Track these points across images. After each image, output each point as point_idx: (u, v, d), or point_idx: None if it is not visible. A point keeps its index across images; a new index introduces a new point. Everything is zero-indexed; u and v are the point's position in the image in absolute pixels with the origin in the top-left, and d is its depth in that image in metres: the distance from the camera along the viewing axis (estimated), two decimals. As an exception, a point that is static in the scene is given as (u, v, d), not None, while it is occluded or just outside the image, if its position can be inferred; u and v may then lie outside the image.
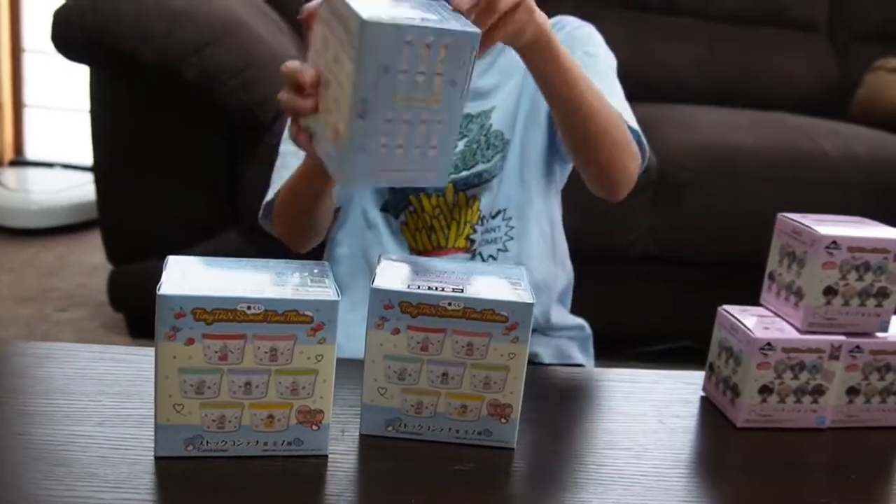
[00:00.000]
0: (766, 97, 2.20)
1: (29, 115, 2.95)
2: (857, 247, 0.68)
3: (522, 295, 0.60)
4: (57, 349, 0.73)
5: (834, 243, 0.67)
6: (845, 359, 0.69)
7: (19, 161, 2.86)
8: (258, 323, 0.55)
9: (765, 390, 0.69)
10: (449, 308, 0.59)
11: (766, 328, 0.69)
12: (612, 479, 0.61)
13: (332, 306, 0.56)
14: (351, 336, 0.97)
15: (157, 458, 0.57)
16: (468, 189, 0.92)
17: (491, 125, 0.94)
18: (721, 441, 0.69)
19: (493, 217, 0.93)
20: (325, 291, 0.57)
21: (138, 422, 0.61)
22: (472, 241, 0.92)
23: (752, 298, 1.10)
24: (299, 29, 2.28)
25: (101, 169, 1.65)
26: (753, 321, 0.70)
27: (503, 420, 0.62)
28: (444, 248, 0.92)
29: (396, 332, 0.60)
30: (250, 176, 1.56)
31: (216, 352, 0.55)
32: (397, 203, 0.93)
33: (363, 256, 0.94)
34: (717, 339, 0.74)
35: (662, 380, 0.78)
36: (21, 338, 1.72)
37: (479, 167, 0.92)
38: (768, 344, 0.68)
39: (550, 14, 1.02)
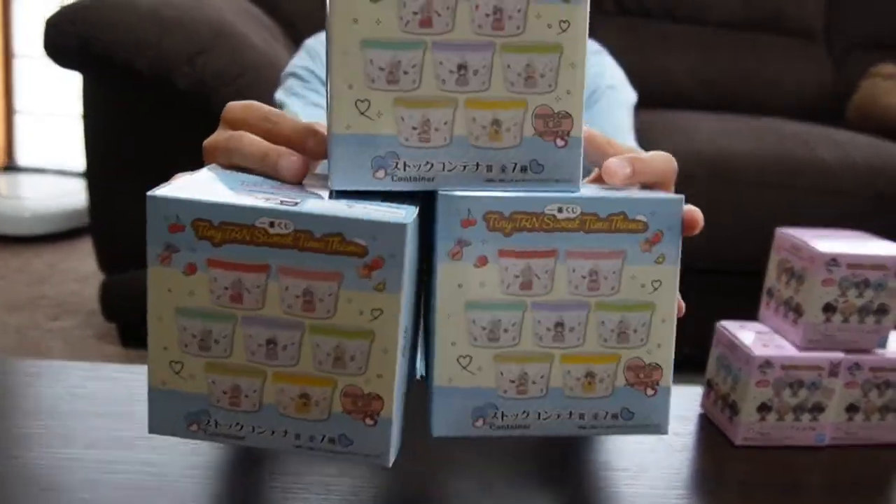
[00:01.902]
0: (764, 103, 2.20)
1: (20, 121, 2.94)
2: (856, 263, 0.67)
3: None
4: (47, 367, 0.72)
5: (833, 260, 0.66)
6: (844, 376, 0.69)
7: (10, 167, 2.85)
8: (286, 249, 0.38)
9: (763, 408, 0.68)
10: (559, 217, 0.40)
11: (765, 345, 0.68)
12: (611, 501, 0.60)
13: (397, 231, 0.37)
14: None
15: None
16: None
17: None
18: (720, 459, 0.68)
19: None
20: (391, 212, 0.38)
21: (129, 444, 0.60)
22: None
23: (750, 306, 1.09)
24: (293, 34, 2.26)
25: (94, 176, 1.64)
26: (752, 338, 0.69)
27: (650, 391, 0.42)
28: None
29: (483, 262, 0.40)
30: (244, 184, 1.55)
31: (226, 288, 0.39)
32: None
33: None
34: (714, 355, 0.73)
35: (660, 395, 0.78)
36: (10, 346, 1.70)
37: None
38: (767, 362, 0.67)
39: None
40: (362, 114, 0.39)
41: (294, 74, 0.92)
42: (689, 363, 1.67)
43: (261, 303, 0.39)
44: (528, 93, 0.40)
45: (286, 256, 0.38)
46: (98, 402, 0.66)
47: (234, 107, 0.47)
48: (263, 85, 1.54)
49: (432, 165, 0.40)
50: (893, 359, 0.70)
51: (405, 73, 0.39)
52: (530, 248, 0.40)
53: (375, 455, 0.40)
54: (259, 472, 0.59)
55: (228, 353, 0.39)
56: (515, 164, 0.40)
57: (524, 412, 0.42)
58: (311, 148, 0.43)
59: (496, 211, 0.39)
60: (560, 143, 0.41)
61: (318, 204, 0.39)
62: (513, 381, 0.41)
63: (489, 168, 0.40)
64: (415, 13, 0.39)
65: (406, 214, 0.38)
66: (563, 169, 0.41)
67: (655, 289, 0.41)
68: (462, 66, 0.39)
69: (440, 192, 0.40)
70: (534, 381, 0.42)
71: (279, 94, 0.92)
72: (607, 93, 0.90)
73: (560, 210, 0.39)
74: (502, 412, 0.41)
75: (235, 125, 0.46)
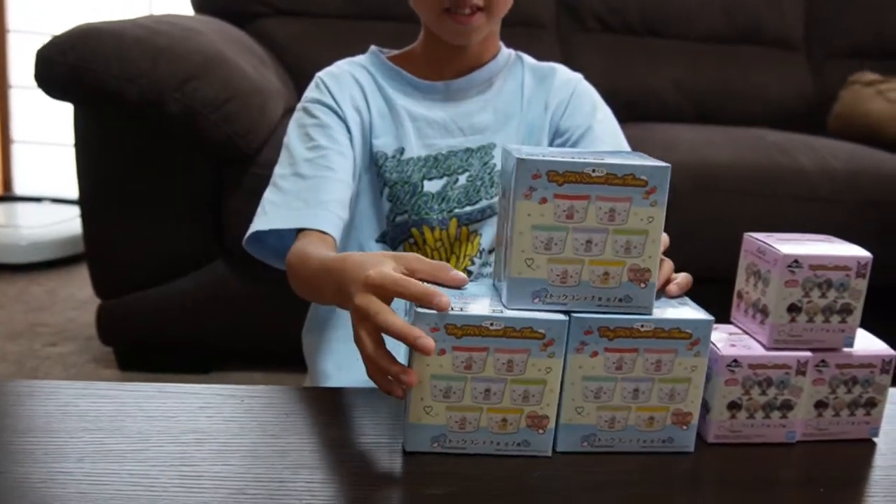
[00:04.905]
0: (746, 114, 2.23)
1: (17, 151, 2.97)
2: (818, 265, 0.69)
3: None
4: (40, 387, 0.74)
5: (796, 262, 0.69)
6: (812, 374, 0.71)
7: (8, 196, 2.87)
8: (498, 338, 0.63)
9: (733, 406, 0.70)
10: (642, 329, 0.66)
11: (734, 345, 0.71)
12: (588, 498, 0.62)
13: (561, 325, 0.64)
14: (342, 366, 0.99)
15: (407, 453, 0.66)
16: (471, 224, 0.97)
17: (494, 164, 0.98)
18: (693, 457, 0.70)
19: (492, 251, 0.96)
20: (556, 316, 0.64)
21: (119, 457, 0.62)
22: (470, 273, 0.96)
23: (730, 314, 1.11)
24: (283, 61, 2.26)
25: (87, 204, 1.66)
26: (722, 339, 0.72)
27: (685, 427, 0.69)
28: None
29: (595, 355, 0.66)
30: (236, 207, 1.57)
31: (462, 362, 0.63)
32: (397, 235, 0.96)
33: None
34: (687, 357, 0.75)
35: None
36: (10, 374, 1.72)
37: (483, 203, 0.97)
38: (735, 361, 0.69)
39: (538, 53, 1.08)
40: (528, 266, 0.64)
41: (306, 110, 0.98)
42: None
43: (482, 369, 0.64)
44: (626, 257, 0.65)
45: (498, 342, 0.63)
46: (89, 419, 0.68)
47: (374, 276, 0.66)
48: (251, 110, 1.57)
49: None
50: (860, 355, 0.72)
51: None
52: (623, 347, 0.66)
53: (543, 450, 0.66)
54: (244, 479, 0.61)
55: (461, 399, 0.64)
56: (615, 297, 0.66)
57: (611, 438, 0.68)
58: (435, 306, 0.64)
59: (604, 326, 0.65)
60: (642, 285, 0.66)
61: (514, 312, 0.64)
62: (607, 422, 0.68)
63: (600, 299, 0.66)
64: (564, 211, 0.63)
65: (562, 317, 0.64)
66: (643, 301, 0.66)
67: (693, 369, 0.67)
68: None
69: (572, 315, 0.65)
70: (618, 421, 0.68)
71: (294, 128, 0.98)
72: (610, 120, 1.02)
73: (642, 326, 0.66)
74: (599, 438, 0.68)
75: (375, 289, 0.65)
